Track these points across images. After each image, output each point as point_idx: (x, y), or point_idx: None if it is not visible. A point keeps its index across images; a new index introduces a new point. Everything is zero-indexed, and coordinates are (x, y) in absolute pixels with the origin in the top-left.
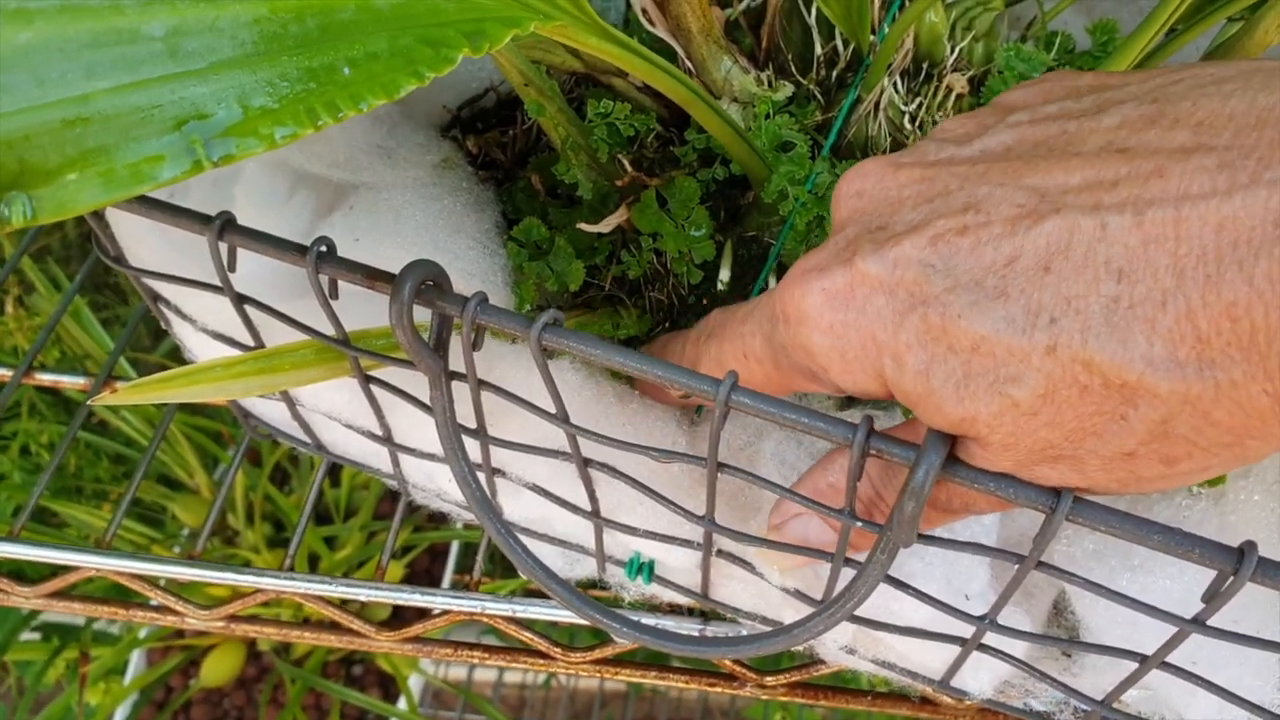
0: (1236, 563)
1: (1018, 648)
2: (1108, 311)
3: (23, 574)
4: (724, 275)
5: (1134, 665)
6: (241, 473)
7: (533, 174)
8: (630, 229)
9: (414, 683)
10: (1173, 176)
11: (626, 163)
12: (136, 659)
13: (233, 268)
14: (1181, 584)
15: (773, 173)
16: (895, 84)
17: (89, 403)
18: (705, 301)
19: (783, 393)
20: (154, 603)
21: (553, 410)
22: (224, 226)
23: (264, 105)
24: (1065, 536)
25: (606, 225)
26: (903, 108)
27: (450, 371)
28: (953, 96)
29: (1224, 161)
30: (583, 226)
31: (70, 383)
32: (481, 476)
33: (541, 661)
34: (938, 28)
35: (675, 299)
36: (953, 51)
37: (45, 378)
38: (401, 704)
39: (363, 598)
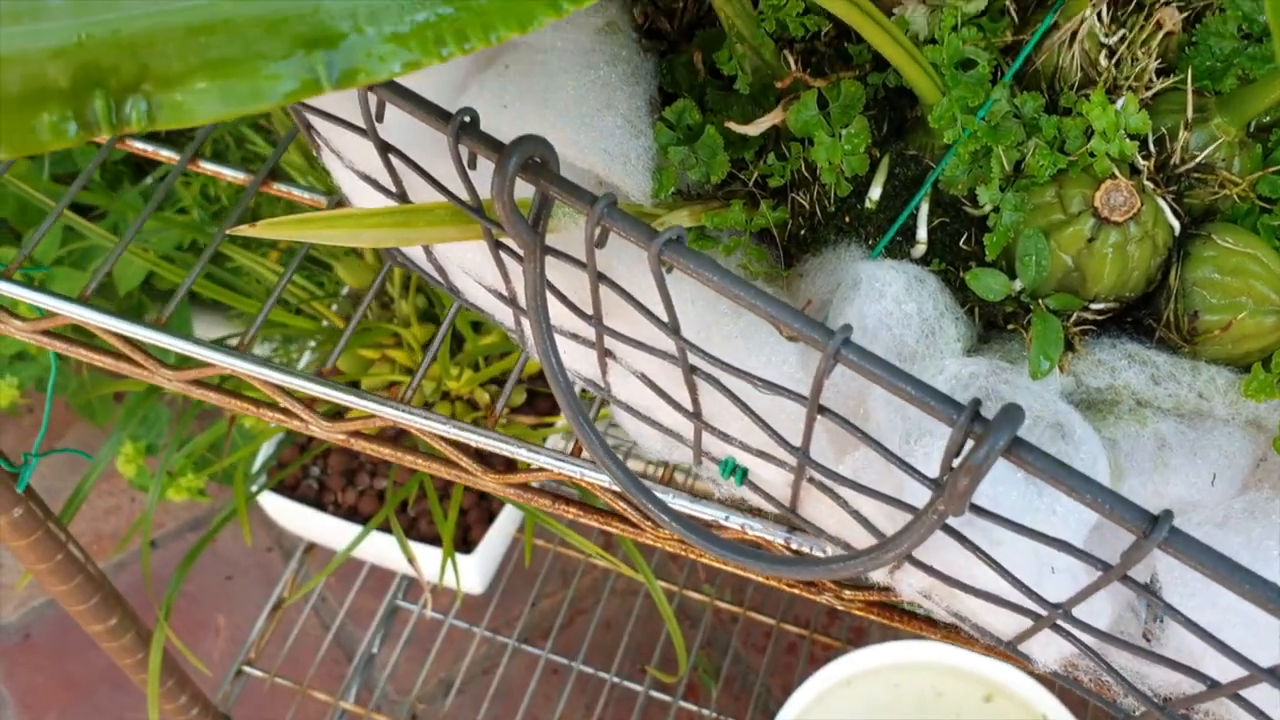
0: None
1: (1102, 623)
2: None
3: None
4: (874, 193)
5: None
6: None
7: (696, 50)
8: (784, 128)
9: None
10: None
11: (792, 60)
12: None
13: (380, 118)
14: None
15: (944, 95)
16: (1100, 13)
17: (226, 231)
18: (849, 218)
19: None
20: (283, 406)
21: (665, 318)
22: None
23: (394, 30)
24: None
25: (757, 128)
26: (1102, 40)
27: (546, 247)
28: (1160, 34)
29: None
30: (731, 126)
31: (231, 176)
32: (593, 355)
33: (631, 530)
34: None
35: (818, 208)
36: None
37: (207, 166)
38: None
39: (473, 443)
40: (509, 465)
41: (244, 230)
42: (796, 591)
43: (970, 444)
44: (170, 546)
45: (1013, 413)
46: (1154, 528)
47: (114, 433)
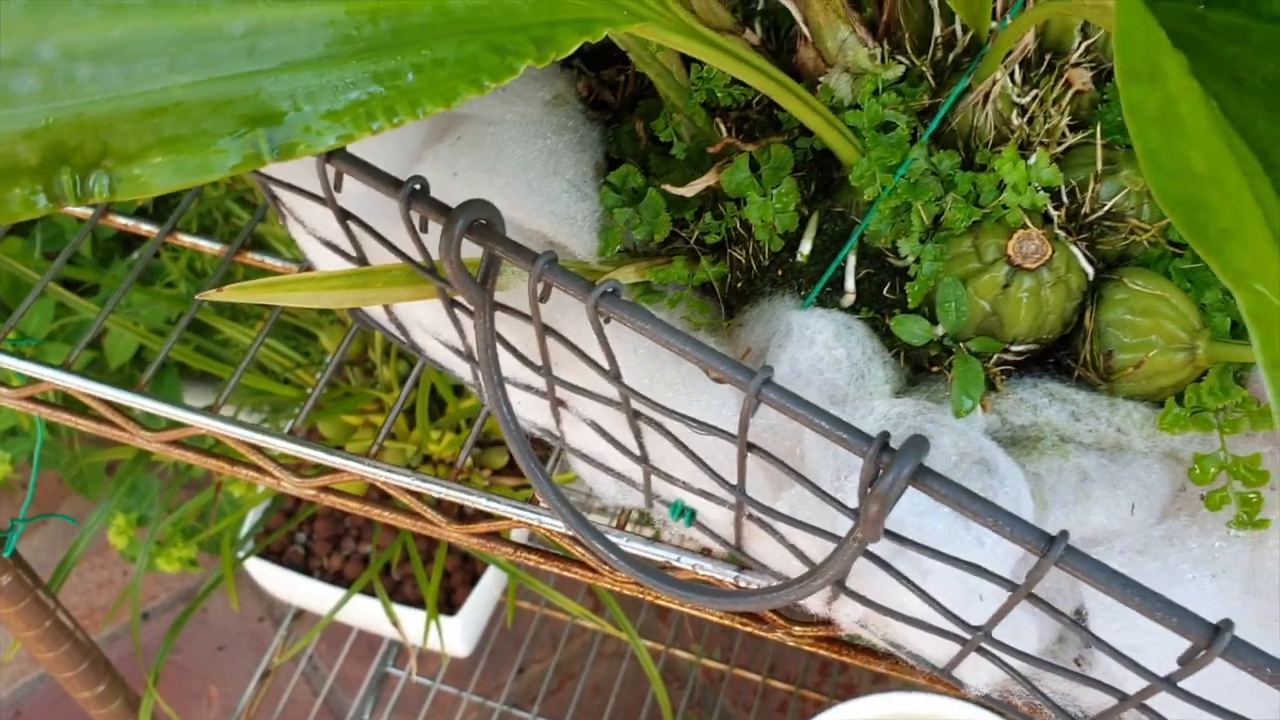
0: (1210, 638)
1: (1029, 647)
2: None
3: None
4: (805, 248)
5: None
6: None
7: (638, 120)
8: (720, 190)
9: (517, 534)
10: None
11: (724, 126)
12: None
13: (339, 188)
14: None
15: (864, 156)
16: (1012, 74)
17: (198, 297)
18: (782, 272)
19: None
20: (254, 462)
21: (607, 366)
22: (331, 152)
23: (329, 108)
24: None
25: (692, 190)
26: (1015, 99)
27: (495, 303)
28: (1070, 93)
29: None
30: (668, 189)
31: (208, 247)
32: (547, 405)
33: (590, 575)
34: (1071, 17)
35: (754, 262)
36: (1082, 43)
37: (185, 239)
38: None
39: (436, 494)
40: (483, 520)
41: (213, 295)
42: (750, 630)
43: (888, 478)
44: (162, 619)
45: (917, 443)
46: (1051, 547)
47: (103, 503)
